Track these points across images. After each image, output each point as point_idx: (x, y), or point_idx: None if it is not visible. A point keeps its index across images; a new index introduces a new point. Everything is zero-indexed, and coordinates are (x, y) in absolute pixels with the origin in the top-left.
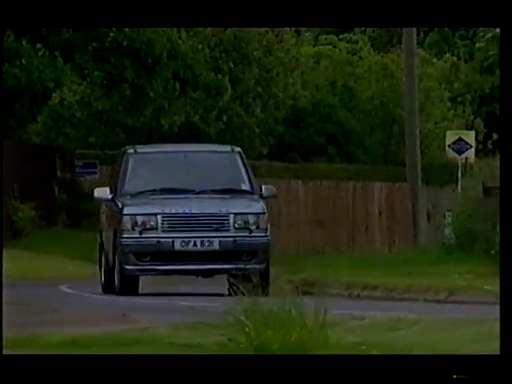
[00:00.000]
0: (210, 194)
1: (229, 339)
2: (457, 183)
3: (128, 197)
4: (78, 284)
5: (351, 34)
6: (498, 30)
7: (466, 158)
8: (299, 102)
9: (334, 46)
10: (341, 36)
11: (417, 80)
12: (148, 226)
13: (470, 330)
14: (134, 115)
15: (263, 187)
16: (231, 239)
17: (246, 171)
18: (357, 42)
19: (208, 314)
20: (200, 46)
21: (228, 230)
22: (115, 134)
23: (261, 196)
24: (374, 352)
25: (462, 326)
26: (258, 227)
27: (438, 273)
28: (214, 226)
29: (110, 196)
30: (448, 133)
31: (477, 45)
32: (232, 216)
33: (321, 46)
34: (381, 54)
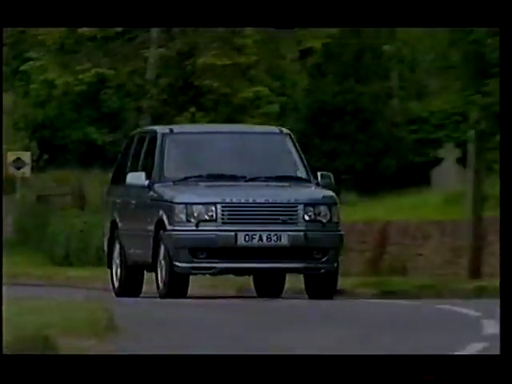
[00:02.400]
0: (265, 181)
1: None
2: (15, 192)
3: (170, 183)
4: None
5: None
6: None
7: (24, 173)
8: None
9: None
10: None
11: None
12: (206, 218)
13: (15, 307)
14: None
15: (319, 174)
16: (302, 233)
17: (300, 156)
18: None
19: None
20: None
21: (296, 223)
22: None
23: (317, 184)
24: None
25: (13, 303)
26: (330, 220)
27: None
28: (281, 217)
29: (146, 182)
30: (8, 153)
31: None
32: (302, 206)
33: None
34: None
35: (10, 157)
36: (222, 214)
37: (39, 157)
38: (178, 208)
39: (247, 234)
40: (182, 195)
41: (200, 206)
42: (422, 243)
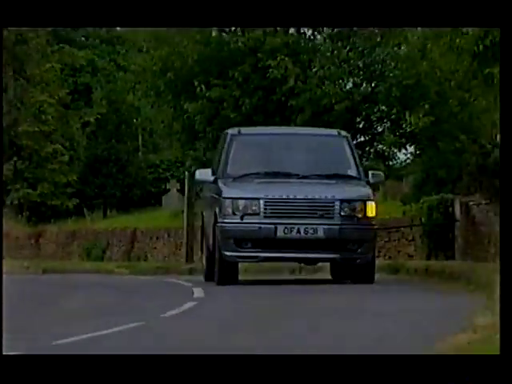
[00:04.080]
0: (315, 178)
1: None
2: None
3: (230, 179)
4: None
5: None
6: None
7: None
8: None
9: None
10: None
11: None
12: (250, 211)
13: None
14: None
15: (370, 173)
16: (337, 227)
17: (353, 156)
18: None
19: None
20: None
21: (333, 218)
22: None
23: (367, 182)
24: None
25: None
26: (364, 215)
27: None
28: (318, 212)
29: (211, 178)
30: None
31: None
32: (338, 203)
33: None
34: None
35: None
36: (265, 209)
37: None
38: (226, 202)
39: (286, 227)
40: (230, 190)
41: (244, 201)
42: (156, 241)
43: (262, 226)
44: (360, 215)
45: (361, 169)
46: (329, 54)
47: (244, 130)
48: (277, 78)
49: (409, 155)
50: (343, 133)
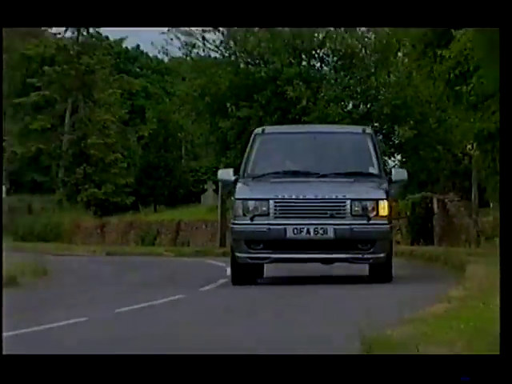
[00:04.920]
0: (334, 177)
1: None
2: None
3: (249, 179)
4: None
5: None
6: None
7: None
8: None
9: None
10: None
11: None
12: (260, 212)
13: None
14: None
15: (393, 170)
16: (347, 227)
17: (376, 154)
18: None
19: None
20: None
21: (344, 218)
22: None
23: (390, 180)
24: None
25: None
26: (377, 214)
27: None
28: (329, 212)
29: (232, 178)
30: None
31: None
32: (349, 202)
33: None
34: None
35: None
36: (275, 209)
37: None
38: (237, 203)
39: (295, 228)
40: (242, 191)
41: (254, 202)
42: (196, 230)
43: (272, 227)
44: (372, 214)
45: (382, 166)
46: (333, 81)
47: (268, 128)
48: (292, 99)
49: (397, 162)
50: (368, 130)
